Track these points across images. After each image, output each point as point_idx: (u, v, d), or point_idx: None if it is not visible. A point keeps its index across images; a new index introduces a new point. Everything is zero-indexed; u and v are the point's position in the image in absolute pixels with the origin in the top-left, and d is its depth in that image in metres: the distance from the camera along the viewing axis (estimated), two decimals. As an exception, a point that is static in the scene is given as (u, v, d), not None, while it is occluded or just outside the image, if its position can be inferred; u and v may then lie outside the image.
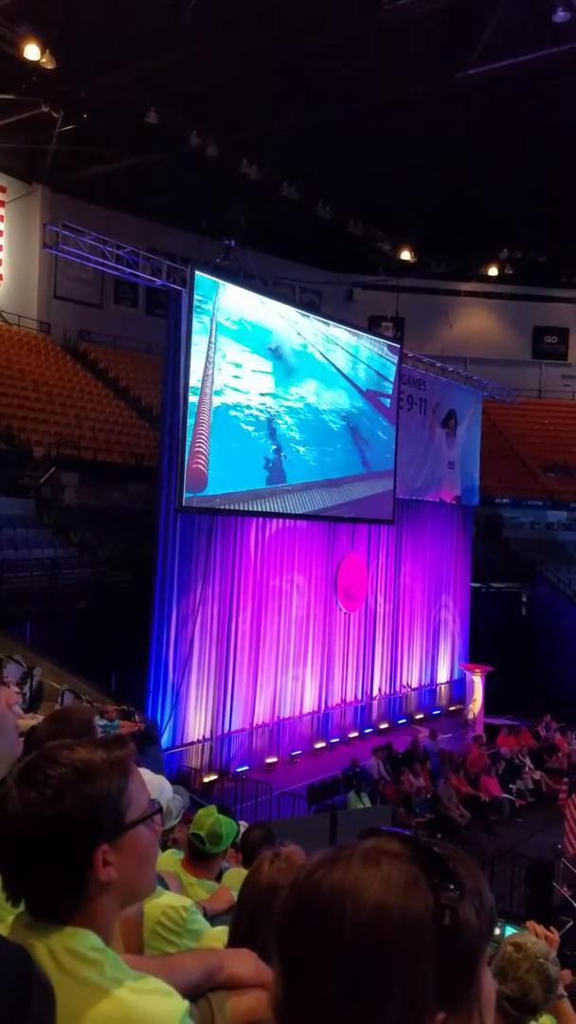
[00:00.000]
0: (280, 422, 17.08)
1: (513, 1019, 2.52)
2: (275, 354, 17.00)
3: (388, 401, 20.40)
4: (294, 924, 0.84)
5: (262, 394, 16.62)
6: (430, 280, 32.07)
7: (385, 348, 20.61)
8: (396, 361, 20.71)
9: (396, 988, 0.80)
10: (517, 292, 33.61)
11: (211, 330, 15.35)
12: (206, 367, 15.18)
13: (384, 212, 27.29)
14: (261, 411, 16.58)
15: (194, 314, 14.99)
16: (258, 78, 19.29)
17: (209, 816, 3.25)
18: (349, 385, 19.23)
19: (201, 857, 3.27)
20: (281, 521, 17.65)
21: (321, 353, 18.40)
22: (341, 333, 19.37)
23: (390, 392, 20.49)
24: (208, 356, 15.24)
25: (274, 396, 16.95)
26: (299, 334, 17.77)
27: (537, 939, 2.77)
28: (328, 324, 19.17)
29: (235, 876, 3.78)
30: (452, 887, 0.84)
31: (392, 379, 20.58)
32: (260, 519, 17.08)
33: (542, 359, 34.36)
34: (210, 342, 15.31)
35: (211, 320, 15.35)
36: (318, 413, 18.26)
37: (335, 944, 0.80)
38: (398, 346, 21.32)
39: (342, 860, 0.85)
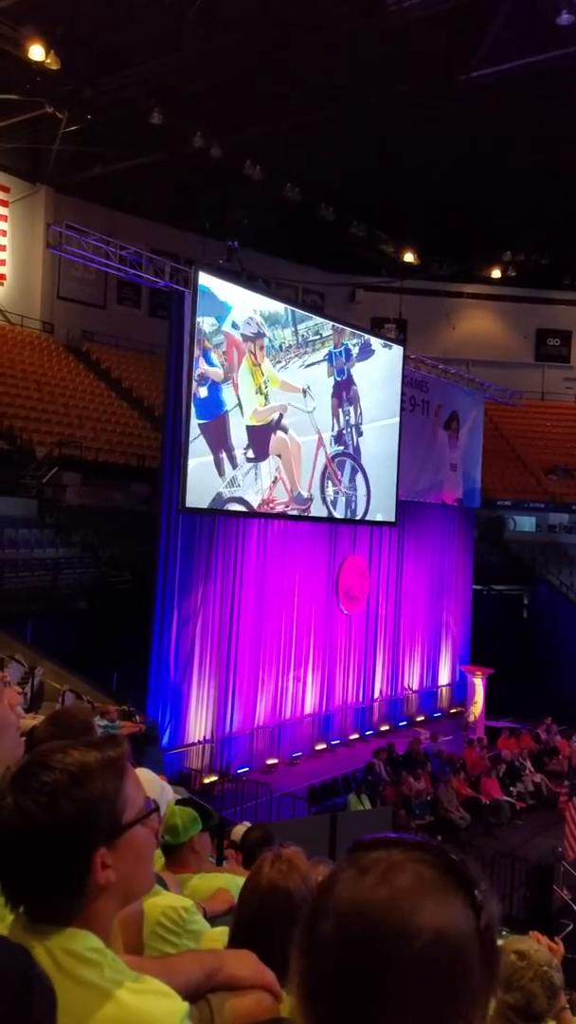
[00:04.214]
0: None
1: None
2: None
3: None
4: (346, 956, 0.79)
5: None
6: (433, 282, 32.04)
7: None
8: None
9: (457, 1002, 0.80)
10: (520, 294, 33.57)
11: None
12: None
13: (387, 214, 27.28)
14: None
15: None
16: (261, 79, 19.30)
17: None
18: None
19: (169, 854, 3.26)
20: (282, 522, 17.61)
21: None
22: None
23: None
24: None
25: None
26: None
27: (540, 946, 2.76)
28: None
29: (235, 878, 3.78)
30: (478, 892, 0.84)
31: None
32: (261, 520, 17.05)
33: (544, 361, 34.33)
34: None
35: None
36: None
37: (400, 977, 0.78)
38: (397, 346, 21.25)
39: (383, 883, 0.82)
